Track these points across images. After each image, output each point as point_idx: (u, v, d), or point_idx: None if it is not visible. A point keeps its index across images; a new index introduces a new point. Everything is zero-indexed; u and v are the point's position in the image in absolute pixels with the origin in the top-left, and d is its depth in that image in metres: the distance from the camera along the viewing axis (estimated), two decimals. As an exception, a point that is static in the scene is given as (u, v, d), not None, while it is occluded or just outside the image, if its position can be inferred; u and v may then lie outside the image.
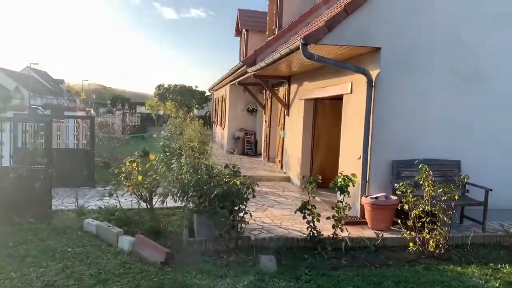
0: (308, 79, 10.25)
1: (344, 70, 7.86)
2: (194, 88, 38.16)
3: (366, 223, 6.68)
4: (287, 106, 12.01)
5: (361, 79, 7.19)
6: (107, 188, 10.01)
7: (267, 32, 15.11)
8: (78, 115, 12.06)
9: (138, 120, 22.76)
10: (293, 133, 11.41)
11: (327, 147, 10.63)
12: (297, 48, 6.61)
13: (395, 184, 6.40)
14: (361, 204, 6.84)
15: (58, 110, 18.31)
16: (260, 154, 16.55)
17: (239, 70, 12.57)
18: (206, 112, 37.49)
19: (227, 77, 15.80)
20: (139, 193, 6.10)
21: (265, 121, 14.87)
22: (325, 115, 10.59)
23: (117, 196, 6.21)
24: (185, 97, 37.01)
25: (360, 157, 6.96)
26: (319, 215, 5.62)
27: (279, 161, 12.58)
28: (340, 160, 8.17)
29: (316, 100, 10.45)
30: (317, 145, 10.61)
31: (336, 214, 5.70)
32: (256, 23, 20.43)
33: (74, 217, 6.09)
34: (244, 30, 20.09)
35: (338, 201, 6.00)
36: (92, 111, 23.91)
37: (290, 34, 11.81)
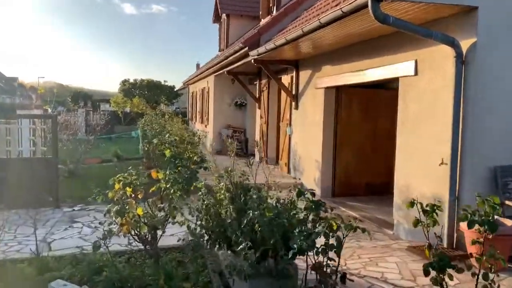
0: (328, 61, 8.24)
1: (398, 45, 5.89)
2: (162, 83, 35.45)
3: (465, 257, 4.72)
4: (295, 97, 9.96)
5: (433, 55, 5.24)
6: (76, 208, 7.68)
7: (260, 12, 12.96)
8: (34, 114, 9.48)
9: (104, 119, 20.00)
10: (305, 130, 9.39)
11: (354, 147, 8.67)
12: (362, 7, 4.56)
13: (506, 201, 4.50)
14: (457, 231, 4.85)
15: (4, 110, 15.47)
16: (252, 154, 14.41)
17: (234, 56, 10.40)
18: (176, 108, 34.90)
19: (213, 66, 13.55)
20: (137, 232, 3.87)
21: (261, 117, 12.77)
22: (352, 107, 8.62)
23: (105, 238, 3.89)
24: (154, 93, 34.26)
25: (442, 163, 5.00)
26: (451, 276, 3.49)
27: (285, 163, 10.52)
28: (398, 165, 6.20)
29: (338, 88, 8.46)
30: (341, 144, 8.62)
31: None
32: (237, 7, 18.27)
33: (32, 274, 3.77)
34: (224, 15, 17.89)
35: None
36: (50, 110, 20.96)
37: (302, 8, 9.72)
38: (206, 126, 16.66)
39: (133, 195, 3.82)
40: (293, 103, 10.05)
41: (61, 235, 6.10)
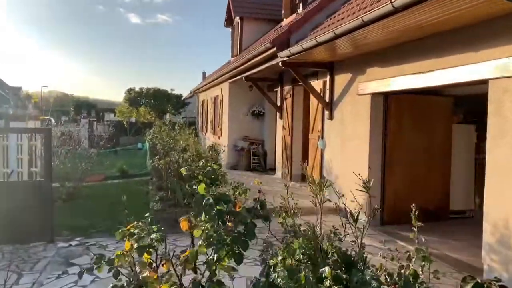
0: (377, 62, 6.86)
1: (489, 37, 4.51)
2: (169, 91, 34.17)
3: None
4: (329, 105, 8.57)
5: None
6: (73, 243, 6.28)
7: (283, 11, 11.62)
8: (24, 128, 8.11)
9: (108, 130, 18.69)
10: (344, 144, 7.99)
11: (406, 166, 7.26)
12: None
13: None
14: None
15: None
16: (272, 170, 13.03)
17: (258, 58, 9.04)
18: (183, 118, 33.61)
19: (229, 72, 12.20)
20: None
21: (283, 127, 11.38)
22: (402, 118, 7.23)
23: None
24: (160, 102, 32.97)
25: None
26: None
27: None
28: (491, 191, 4.76)
29: (386, 95, 7.08)
30: (391, 162, 7.21)
31: None
32: (251, 9, 17.01)
33: None
34: (237, 18, 16.63)
35: None
36: (53, 121, 19.69)
37: (337, 3, 8.35)
38: (219, 137, 15.29)
39: (153, 264, 2.40)
40: (327, 113, 8.65)
41: (53, 285, 4.70)
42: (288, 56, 7.72)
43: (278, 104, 11.81)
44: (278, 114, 11.94)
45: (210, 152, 8.74)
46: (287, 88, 11.21)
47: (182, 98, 35.83)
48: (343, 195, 3.23)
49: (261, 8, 17.07)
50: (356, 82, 7.55)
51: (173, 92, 34.61)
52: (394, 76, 6.28)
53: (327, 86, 8.67)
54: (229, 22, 18.06)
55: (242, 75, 11.60)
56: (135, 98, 32.96)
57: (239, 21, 16.59)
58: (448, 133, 7.61)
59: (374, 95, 7.07)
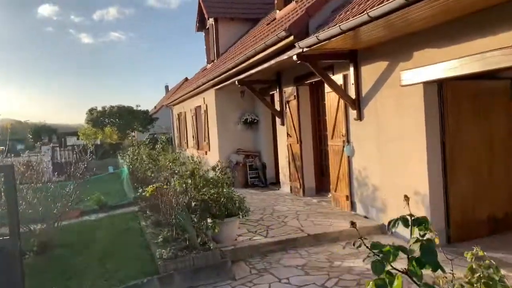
0: (431, 42, 5.46)
1: None
2: (135, 108, 31.93)
3: None
4: (356, 103, 7.13)
5: None
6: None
7: (275, 1, 10.11)
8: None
9: (72, 155, 16.52)
10: (382, 148, 6.56)
11: (470, 168, 5.91)
12: None
13: None
14: None
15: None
16: (274, 184, 11.46)
17: (268, 52, 7.45)
18: (151, 134, 31.46)
19: (217, 77, 10.56)
20: None
21: (288, 135, 9.85)
22: (461, 110, 5.87)
23: None
24: (126, 120, 30.68)
25: None
26: None
27: (346, 196, 7.60)
28: None
29: (440, 83, 5.70)
30: (455, 164, 5.82)
31: None
32: (226, 8, 15.50)
33: None
34: (211, 20, 15.09)
35: None
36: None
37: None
38: (206, 153, 13.57)
39: None
40: (353, 112, 7.20)
41: None
42: (310, 46, 6.22)
43: (278, 109, 10.28)
44: (278, 120, 10.41)
45: (215, 173, 7.06)
46: (289, 89, 9.70)
47: (149, 114, 33.67)
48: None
49: (236, 7, 15.58)
50: (396, 70, 6.13)
51: (139, 108, 32.41)
52: (458, 57, 4.86)
53: (351, 80, 7.23)
54: (201, 25, 16.44)
55: (234, 79, 10.00)
56: (98, 118, 30.52)
57: (213, 23, 15.02)
58: (510, 124, 6.32)
59: (428, 84, 5.67)
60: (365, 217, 7.15)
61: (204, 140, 13.58)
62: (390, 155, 6.41)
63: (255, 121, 11.96)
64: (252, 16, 15.27)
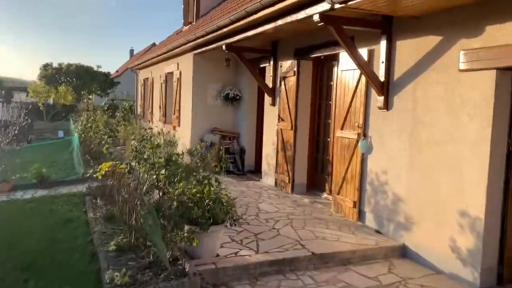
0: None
1: None
2: (96, 69, 29.06)
3: None
4: (383, 87, 5.57)
5: None
6: None
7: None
8: None
9: (20, 113, 14.00)
10: (419, 150, 5.06)
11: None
12: None
13: None
14: None
15: None
16: (252, 173, 9.85)
17: (269, 10, 5.70)
18: (109, 100, 28.92)
19: (202, 37, 8.67)
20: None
21: (280, 118, 8.20)
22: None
23: None
24: (84, 81, 27.87)
25: None
26: None
27: (354, 203, 6.09)
28: None
29: (515, 71, 4.22)
30: (522, 182, 4.38)
31: None
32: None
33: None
34: (193, -26, 13.04)
35: None
36: None
37: None
38: (174, 128, 11.71)
39: None
40: (379, 99, 5.63)
41: None
42: (345, 1, 4.53)
43: (270, 85, 8.58)
44: (268, 99, 8.72)
45: (193, 158, 5.32)
46: (287, 63, 8.01)
47: (111, 77, 30.94)
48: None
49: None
50: (453, 49, 4.59)
51: (100, 69, 29.59)
52: None
53: (380, 57, 5.64)
54: (181, -19, 14.31)
55: (220, 43, 8.18)
56: (53, 75, 27.52)
57: (196, -22, 12.97)
58: None
59: (503, 72, 4.17)
60: (377, 231, 5.67)
61: (174, 113, 11.69)
62: (429, 160, 4.91)
63: (238, 97, 10.21)
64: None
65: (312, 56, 7.36)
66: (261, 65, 9.10)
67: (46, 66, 28.50)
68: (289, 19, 5.73)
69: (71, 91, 25.42)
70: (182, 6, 14.41)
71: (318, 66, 7.77)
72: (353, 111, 6.18)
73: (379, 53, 5.68)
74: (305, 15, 5.34)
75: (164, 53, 11.61)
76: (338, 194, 6.49)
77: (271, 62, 8.60)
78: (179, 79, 11.27)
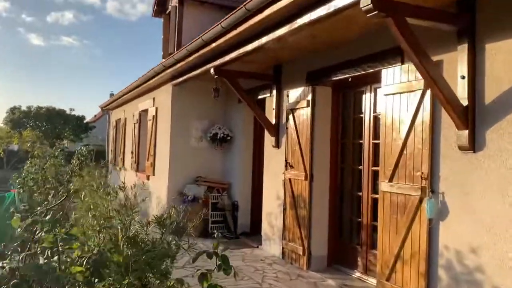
0: None
1: None
2: (68, 112, 26.80)
3: None
4: (468, 115, 3.55)
5: None
6: None
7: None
8: None
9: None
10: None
11: None
12: None
13: None
14: None
15: None
16: (247, 235, 7.60)
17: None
18: (83, 146, 26.47)
19: (184, 59, 6.68)
20: None
21: (288, 164, 6.08)
22: None
23: None
24: (55, 125, 25.55)
25: None
26: None
27: (418, 294, 3.88)
28: None
29: None
30: None
31: None
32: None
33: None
34: (174, 1, 11.37)
35: None
36: None
37: None
38: (147, 178, 9.46)
39: None
40: (459, 133, 3.60)
41: None
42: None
43: (273, 121, 6.54)
44: (270, 139, 6.65)
45: (162, 230, 3.09)
46: (297, 91, 6.00)
47: (85, 121, 28.69)
48: None
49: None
50: None
51: (73, 113, 27.35)
52: None
53: (456, 70, 3.67)
54: (160, 9, 12.53)
55: (207, 66, 6.19)
56: (20, 119, 25.18)
57: (177, 4, 11.22)
58: None
59: None
60: None
61: (148, 159, 9.47)
62: None
63: (228, 137, 8.11)
64: (229, 3, 11.68)
65: (333, 79, 5.38)
66: (260, 96, 7.09)
67: (13, 110, 26.14)
68: (314, 15, 3.76)
69: (40, 135, 22.99)
70: (162, 37, 12.62)
71: (340, 93, 5.78)
72: (409, 154, 4.11)
73: (454, 64, 3.71)
74: (348, 2, 3.38)
75: (137, 86, 9.57)
76: (388, 280, 4.28)
77: (274, 92, 6.60)
78: (154, 117, 9.16)
